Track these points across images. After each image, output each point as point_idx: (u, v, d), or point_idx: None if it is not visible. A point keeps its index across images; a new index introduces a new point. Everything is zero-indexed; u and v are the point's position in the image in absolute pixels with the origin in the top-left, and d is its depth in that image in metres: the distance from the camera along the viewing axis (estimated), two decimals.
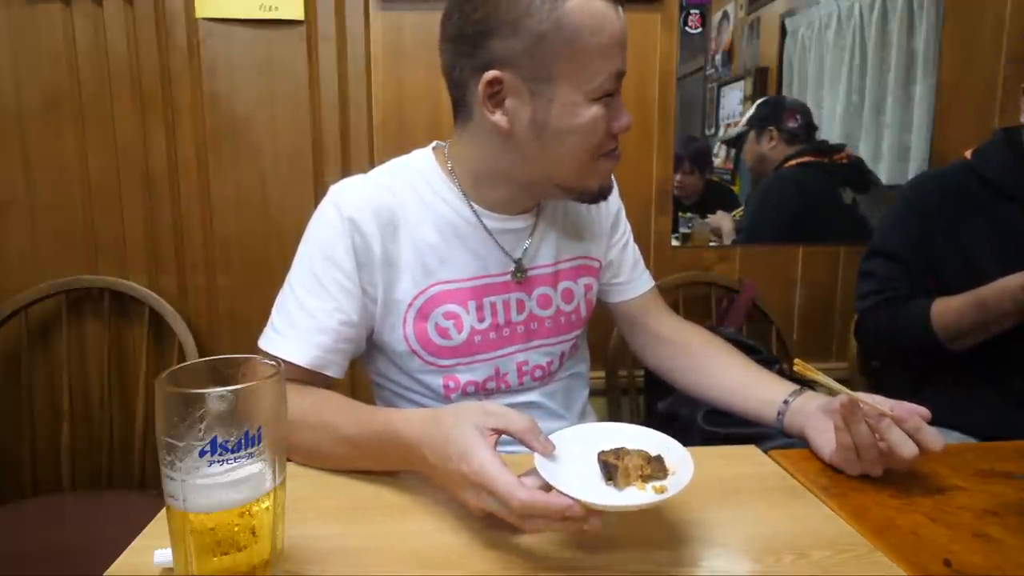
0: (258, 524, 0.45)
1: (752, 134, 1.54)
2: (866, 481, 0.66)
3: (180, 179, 1.43)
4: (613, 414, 1.49)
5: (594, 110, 0.72)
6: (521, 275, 0.85)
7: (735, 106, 1.53)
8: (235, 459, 0.43)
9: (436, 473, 0.59)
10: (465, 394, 0.84)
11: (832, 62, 1.53)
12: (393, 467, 0.67)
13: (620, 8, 0.72)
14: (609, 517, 0.57)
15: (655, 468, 0.54)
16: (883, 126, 1.56)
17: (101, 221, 1.42)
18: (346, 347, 0.78)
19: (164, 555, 0.51)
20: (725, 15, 1.49)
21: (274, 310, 0.79)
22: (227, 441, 0.42)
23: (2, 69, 1.36)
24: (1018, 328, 1.02)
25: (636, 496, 0.52)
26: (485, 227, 0.82)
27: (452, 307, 0.81)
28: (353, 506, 0.62)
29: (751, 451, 0.75)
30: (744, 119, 1.53)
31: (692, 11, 1.48)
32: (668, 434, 0.58)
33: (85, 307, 1.44)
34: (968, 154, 1.18)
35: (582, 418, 0.97)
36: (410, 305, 0.80)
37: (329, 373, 0.77)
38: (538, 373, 0.88)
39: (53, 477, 1.38)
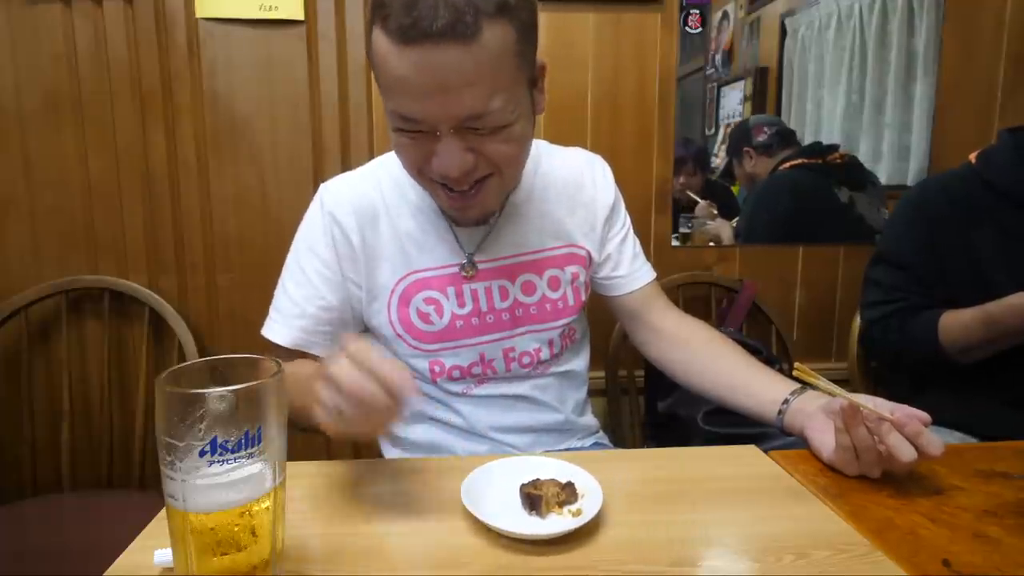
0: (258, 524, 0.45)
1: (734, 161, 1.55)
2: (865, 481, 0.67)
3: (180, 179, 1.43)
4: (613, 414, 1.50)
5: (395, 138, 0.72)
6: (471, 269, 0.85)
7: (735, 106, 1.53)
8: (235, 459, 0.43)
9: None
10: (451, 379, 0.87)
11: (832, 62, 1.53)
12: (306, 402, 0.65)
13: (426, 51, 0.60)
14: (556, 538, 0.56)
15: (568, 493, 0.60)
16: (883, 126, 1.56)
17: (101, 221, 1.42)
18: (328, 329, 0.84)
19: (164, 555, 0.51)
20: (725, 15, 1.49)
21: (273, 300, 0.87)
22: (227, 441, 0.42)
23: (2, 69, 1.36)
24: None
25: (559, 524, 0.57)
26: (447, 217, 0.85)
27: (432, 293, 0.85)
28: (353, 506, 0.62)
29: (751, 451, 0.75)
30: (726, 148, 1.54)
31: (692, 11, 1.48)
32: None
33: (85, 307, 1.44)
34: (973, 158, 1.15)
35: (580, 416, 0.98)
36: (392, 291, 0.84)
37: (315, 352, 0.84)
38: (526, 360, 0.89)
39: (53, 477, 1.38)
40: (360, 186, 0.86)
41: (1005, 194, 1.09)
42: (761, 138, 1.54)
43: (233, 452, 0.43)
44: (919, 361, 1.13)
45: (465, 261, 0.85)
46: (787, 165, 1.55)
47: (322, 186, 0.87)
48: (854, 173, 1.58)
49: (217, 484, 0.43)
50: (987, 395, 1.08)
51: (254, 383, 0.44)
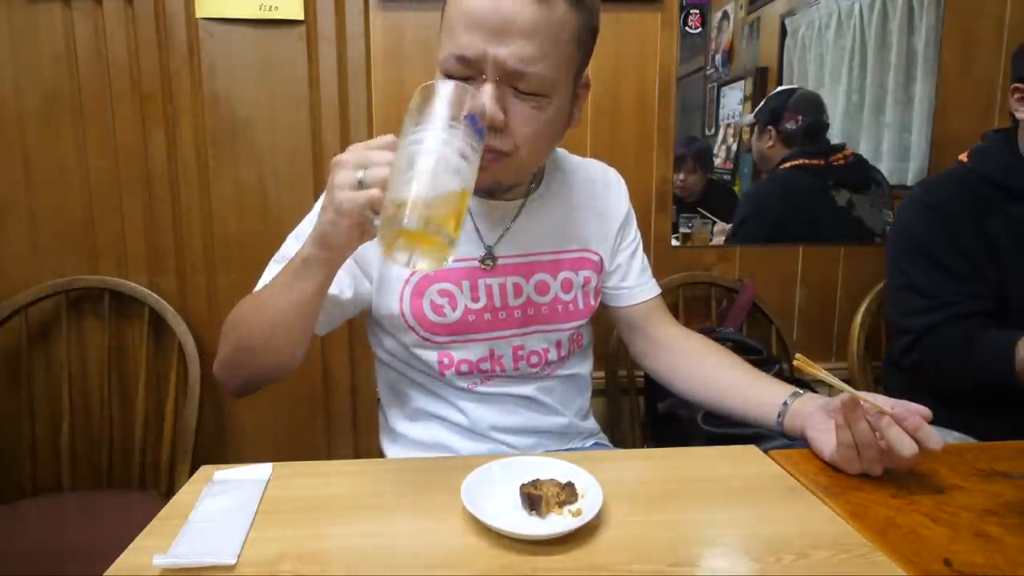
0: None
1: (756, 129, 1.54)
2: (866, 481, 0.67)
3: (180, 179, 1.43)
4: (613, 414, 1.50)
5: None
6: (491, 262, 0.85)
7: (735, 106, 1.53)
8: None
9: (324, 211, 0.62)
10: (459, 373, 0.87)
11: (832, 62, 1.53)
12: (297, 277, 0.68)
13: None
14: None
15: (568, 493, 0.60)
16: (883, 126, 1.56)
17: (101, 221, 1.42)
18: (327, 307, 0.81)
19: (163, 559, 0.51)
20: (725, 15, 1.49)
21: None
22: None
23: (2, 69, 1.36)
24: None
25: (559, 524, 0.57)
26: (468, 209, 0.84)
27: (446, 285, 0.84)
28: (353, 506, 0.62)
29: (751, 451, 0.75)
30: (756, 110, 1.52)
31: (692, 11, 1.48)
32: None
33: (85, 307, 1.44)
34: (965, 157, 1.17)
35: (584, 419, 0.98)
36: (407, 282, 0.84)
37: None
38: (534, 359, 0.89)
39: (53, 477, 1.38)
40: None
41: (1004, 188, 1.12)
42: (789, 124, 1.52)
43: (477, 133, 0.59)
44: (987, 385, 1.05)
45: (484, 254, 0.85)
46: (786, 165, 1.55)
47: None
48: (857, 174, 1.57)
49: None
50: (987, 395, 1.08)
51: None
